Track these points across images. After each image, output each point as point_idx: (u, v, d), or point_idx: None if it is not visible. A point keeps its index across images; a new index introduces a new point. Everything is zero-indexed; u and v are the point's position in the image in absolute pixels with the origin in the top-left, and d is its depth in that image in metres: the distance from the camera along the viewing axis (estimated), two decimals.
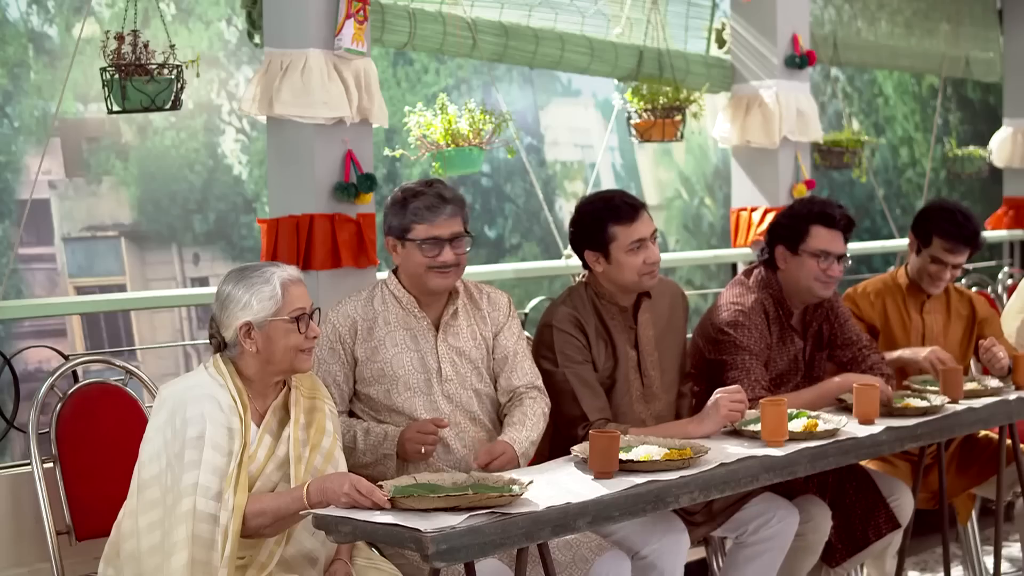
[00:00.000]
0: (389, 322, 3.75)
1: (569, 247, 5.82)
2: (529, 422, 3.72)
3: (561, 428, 3.92)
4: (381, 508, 2.92)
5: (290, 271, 3.28)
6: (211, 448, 3.12)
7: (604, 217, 3.99)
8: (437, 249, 3.68)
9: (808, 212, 4.33)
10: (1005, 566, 5.20)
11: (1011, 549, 5.47)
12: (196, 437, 3.12)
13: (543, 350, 3.98)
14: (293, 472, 3.21)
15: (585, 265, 4.08)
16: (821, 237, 4.27)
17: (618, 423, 3.91)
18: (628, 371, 4.00)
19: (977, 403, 4.30)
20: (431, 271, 3.70)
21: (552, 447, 3.94)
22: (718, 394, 3.81)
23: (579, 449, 3.46)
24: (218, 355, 3.27)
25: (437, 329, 3.78)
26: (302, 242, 4.29)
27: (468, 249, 3.74)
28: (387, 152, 4.69)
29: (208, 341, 3.34)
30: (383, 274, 4.36)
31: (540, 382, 3.91)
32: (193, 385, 3.21)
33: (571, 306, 4.02)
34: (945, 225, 4.70)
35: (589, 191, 7.97)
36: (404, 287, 3.78)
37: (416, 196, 3.70)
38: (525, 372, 3.88)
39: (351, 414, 3.79)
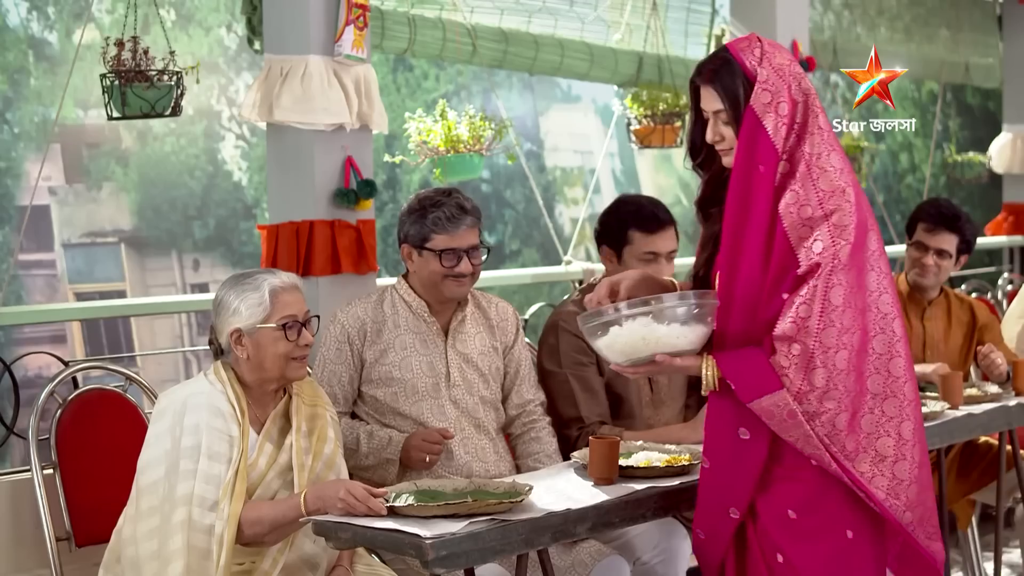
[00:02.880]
0: (399, 325, 3.75)
1: (569, 253, 5.86)
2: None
3: (557, 428, 3.92)
4: (377, 515, 2.91)
5: (284, 278, 3.26)
6: (207, 458, 3.11)
7: (628, 219, 4.02)
8: (455, 260, 3.68)
9: None
10: (1005, 572, 5.20)
11: (1011, 555, 5.47)
12: (191, 447, 3.12)
13: (548, 350, 3.99)
14: (296, 480, 3.21)
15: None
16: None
17: (612, 426, 3.91)
18: (639, 376, 4.01)
19: (977, 409, 4.30)
20: (448, 279, 3.70)
21: None
22: None
23: (579, 455, 3.45)
24: (218, 362, 3.27)
25: (446, 335, 3.78)
26: (302, 248, 4.29)
27: (484, 259, 3.74)
28: (387, 158, 4.69)
29: (208, 347, 3.34)
30: (384, 280, 4.37)
31: (543, 395, 3.95)
32: (192, 393, 3.20)
33: (580, 307, 4.02)
34: (926, 207, 4.79)
35: (589, 197, 8.00)
36: (416, 292, 3.77)
37: (436, 206, 3.68)
38: (532, 384, 3.91)
39: (353, 415, 3.79)
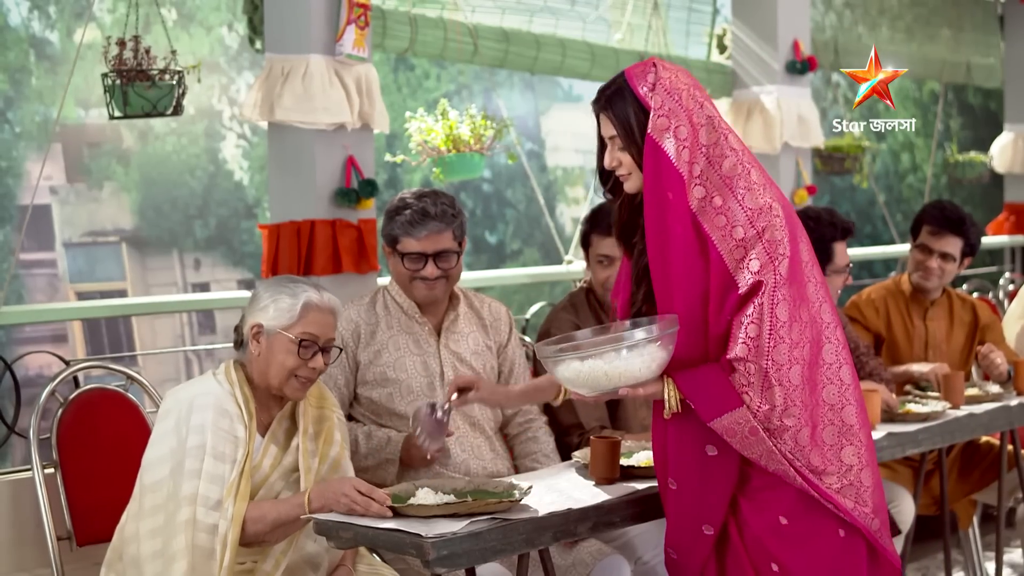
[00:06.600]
0: (392, 326, 3.75)
1: (571, 252, 5.86)
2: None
3: (557, 435, 3.92)
4: (381, 515, 2.90)
5: (325, 298, 3.24)
6: (212, 458, 3.10)
7: (589, 223, 4.06)
8: (420, 264, 3.68)
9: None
10: (1006, 572, 5.20)
11: (1012, 555, 5.47)
12: (197, 446, 3.11)
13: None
14: (302, 483, 3.20)
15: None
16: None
17: (614, 430, 3.90)
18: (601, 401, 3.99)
19: (978, 409, 4.30)
20: (416, 281, 3.70)
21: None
22: None
23: (580, 455, 3.45)
24: (231, 361, 3.26)
25: (439, 334, 3.78)
26: (303, 248, 4.29)
27: (456, 264, 3.72)
28: (388, 158, 4.69)
29: (234, 332, 3.33)
30: (384, 279, 4.37)
31: None
32: (200, 393, 3.20)
33: (572, 313, 4.03)
34: (931, 210, 4.78)
35: (590, 197, 8.00)
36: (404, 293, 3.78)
37: (403, 209, 3.69)
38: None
39: (349, 417, 3.79)
